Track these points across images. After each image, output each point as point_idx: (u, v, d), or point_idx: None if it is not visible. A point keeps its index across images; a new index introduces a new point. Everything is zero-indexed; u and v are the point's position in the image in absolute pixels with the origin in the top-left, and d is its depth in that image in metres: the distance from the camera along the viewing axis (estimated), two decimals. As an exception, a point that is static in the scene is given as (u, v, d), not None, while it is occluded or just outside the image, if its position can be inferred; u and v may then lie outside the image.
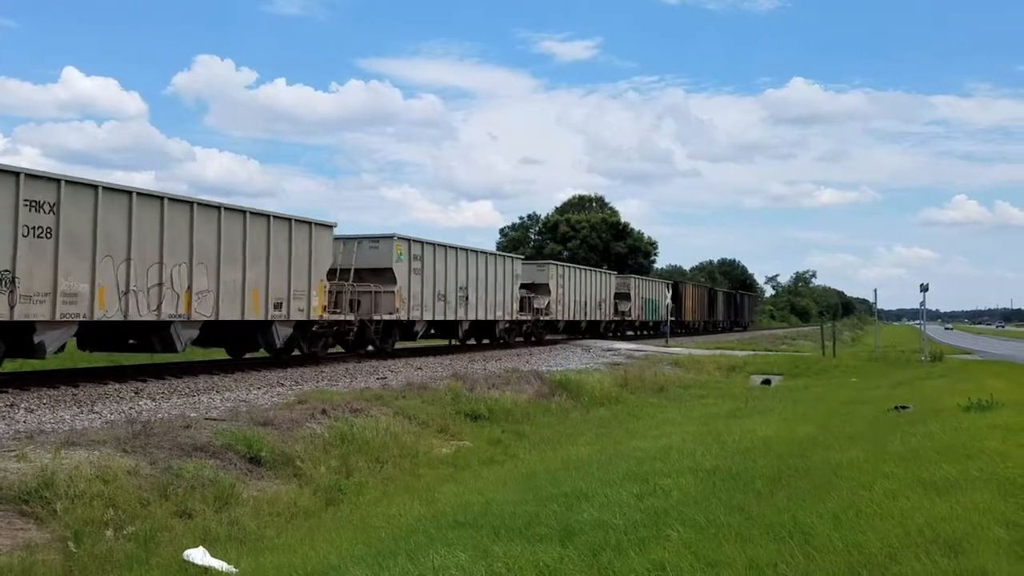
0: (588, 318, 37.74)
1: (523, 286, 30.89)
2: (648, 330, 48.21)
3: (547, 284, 32.87)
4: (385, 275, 22.07)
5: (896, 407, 12.72)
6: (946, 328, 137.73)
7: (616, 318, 41.80)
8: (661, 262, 79.52)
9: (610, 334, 41.75)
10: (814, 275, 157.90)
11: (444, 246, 24.95)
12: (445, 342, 28.48)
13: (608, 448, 10.81)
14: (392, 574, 4.84)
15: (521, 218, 75.87)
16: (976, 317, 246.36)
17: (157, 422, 9.87)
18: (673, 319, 47.01)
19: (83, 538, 6.51)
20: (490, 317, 27.76)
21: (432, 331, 25.55)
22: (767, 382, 23.99)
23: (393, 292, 22.08)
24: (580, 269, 37.91)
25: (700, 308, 57.81)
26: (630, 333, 46.14)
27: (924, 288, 32.85)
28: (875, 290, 45.42)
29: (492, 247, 67.38)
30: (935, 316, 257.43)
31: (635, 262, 64.35)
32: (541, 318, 32.01)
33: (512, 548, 5.09)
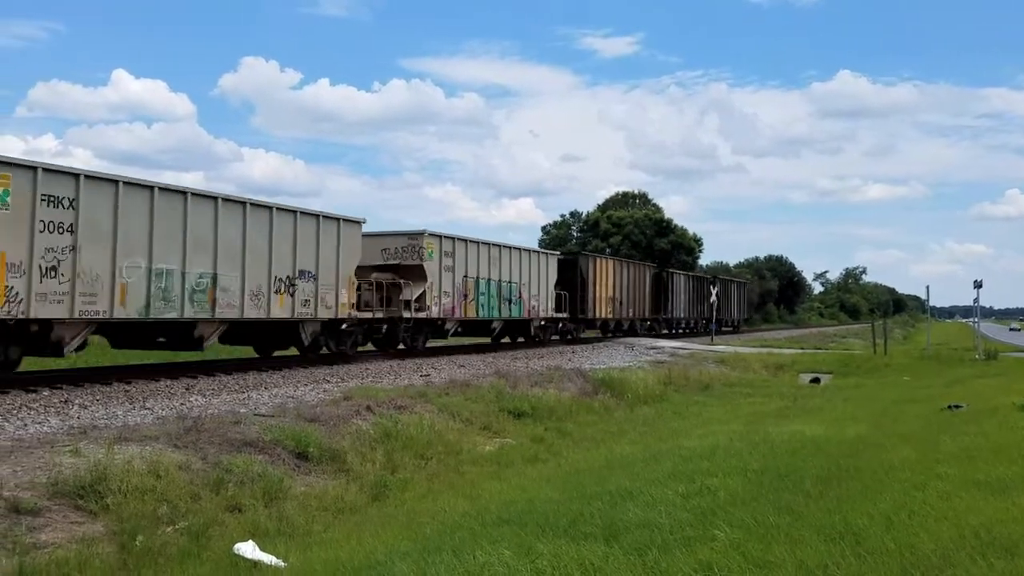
0: (231, 315, 15.83)
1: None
2: (487, 337, 27.69)
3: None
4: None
5: (949, 406, 12.41)
6: (1011, 329, 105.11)
7: (374, 315, 20.14)
8: (706, 259, 78.53)
9: (380, 346, 22.03)
10: (864, 271, 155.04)
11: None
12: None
13: (652, 447, 10.73)
14: (437, 570, 4.86)
15: (563, 215, 75.73)
16: None
17: (207, 418, 10.06)
18: (564, 315, 31.03)
19: (137, 532, 6.67)
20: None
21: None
22: (816, 380, 23.60)
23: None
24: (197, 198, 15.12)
25: (631, 299, 37.50)
26: (424, 345, 23.23)
27: (978, 285, 32.06)
28: (927, 287, 44.33)
29: (534, 245, 67.35)
30: (989, 313, 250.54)
31: (679, 259, 63.79)
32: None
33: (557, 546, 5.07)
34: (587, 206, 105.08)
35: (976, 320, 38.29)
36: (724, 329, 51.51)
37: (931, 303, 41.25)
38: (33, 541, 6.23)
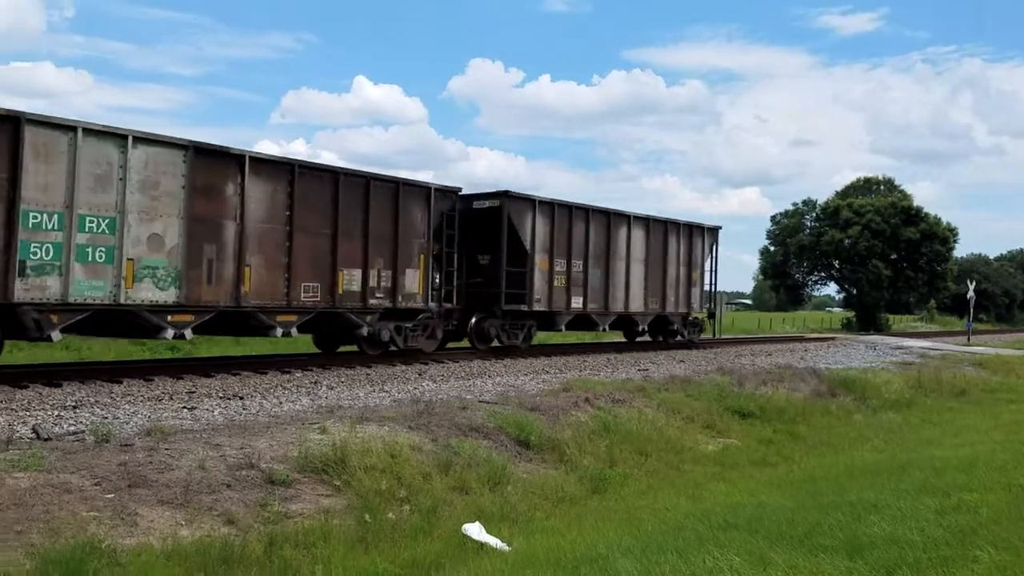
0: None
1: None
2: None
3: None
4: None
5: None
6: None
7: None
8: (962, 250, 70.88)
9: None
10: None
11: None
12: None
13: (899, 456, 9.81)
14: (663, 570, 4.69)
15: (795, 204, 71.62)
16: None
17: (438, 402, 10.54)
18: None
19: (374, 508, 7.09)
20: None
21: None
22: (1098, 389, 20.48)
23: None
24: None
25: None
26: None
27: None
28: None
29: (762, 236, 64.35)
30: None
31: (930, 249, 58.17)
32: None
33: (792, 557, 4.72)
34: (822, 194, 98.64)
35: None
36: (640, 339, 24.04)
37: None
38: (284, 511, 6.81)
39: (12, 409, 9.10)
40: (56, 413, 9.04)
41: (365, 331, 15.11)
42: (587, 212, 19.94)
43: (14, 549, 5.43)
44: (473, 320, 17.72)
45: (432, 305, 16.31)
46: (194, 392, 10.96)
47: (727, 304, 44.05)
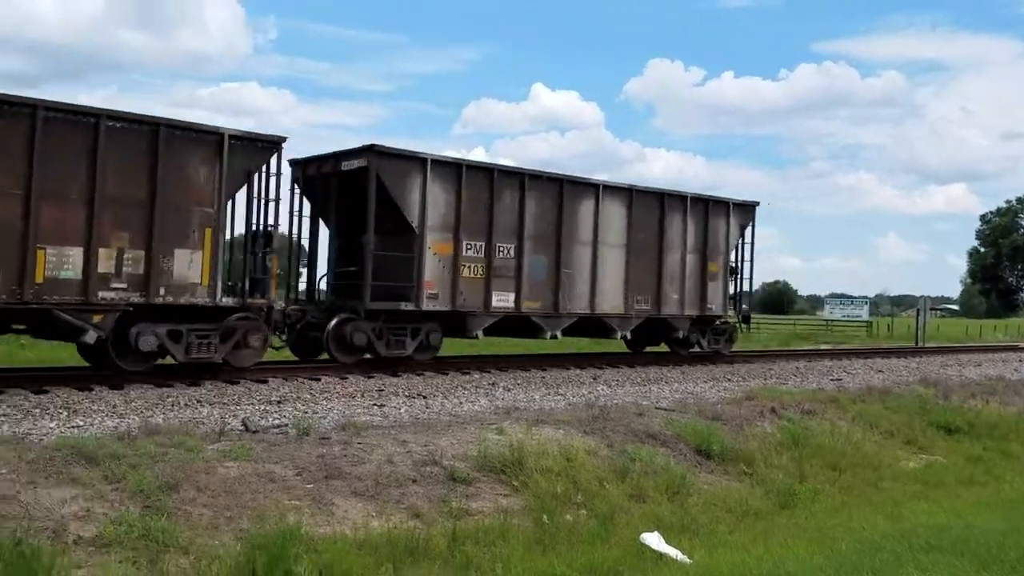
0: None
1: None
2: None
3: None
4: None
5: None
6: None
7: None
8: None
9: None
10: None
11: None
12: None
13: None
14: (856, 593, 4.39)
15: (1008, 201, 65.31)
16: None
17: (613, 407, 10.46)
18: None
19: (551, 511, 7.14)
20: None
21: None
22: None
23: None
24: None
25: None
26: None
27: None
28: None
29: (970, 236, 59.10)
30: None
31: None
32: None
33: (1006, 586, 4.27)
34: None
35: None
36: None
37: None
38: (465, 508, 7.01)
39: (224, 403, 9.97)
40: (262, 407, 9.82)
41: (92, 337, 10.40)
42: (522, 178, 14.76)
43: (224, 533, 5.94)
44: (332, 323, 13.11)
45: (228, 300, 11.60)
46: (383, 391, 11.54)
47: (932, 310, 40.64)
